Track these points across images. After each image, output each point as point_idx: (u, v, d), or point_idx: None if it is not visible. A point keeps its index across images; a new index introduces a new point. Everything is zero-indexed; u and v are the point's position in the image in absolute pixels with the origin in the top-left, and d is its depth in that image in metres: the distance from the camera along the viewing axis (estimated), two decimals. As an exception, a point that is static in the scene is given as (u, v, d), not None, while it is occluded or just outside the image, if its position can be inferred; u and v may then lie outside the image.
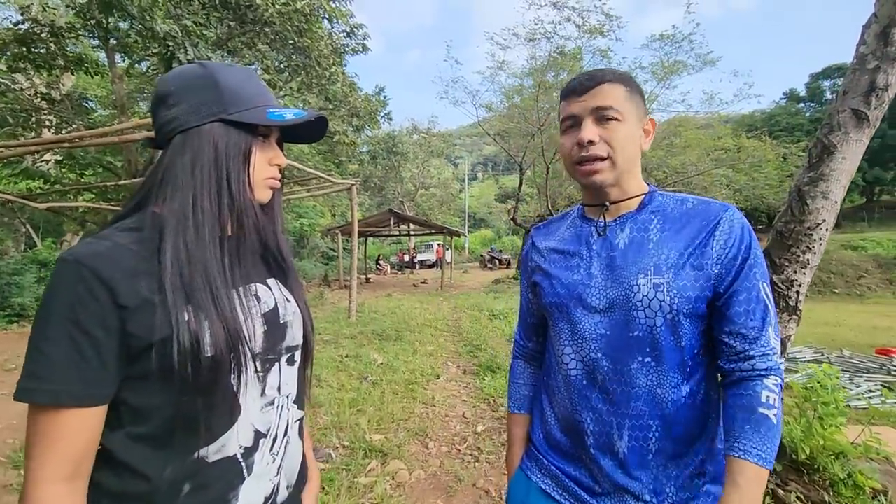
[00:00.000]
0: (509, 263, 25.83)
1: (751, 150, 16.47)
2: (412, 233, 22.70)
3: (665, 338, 0.86)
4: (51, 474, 0.61)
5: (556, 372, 1.01)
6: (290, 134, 0.85)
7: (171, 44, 6.50)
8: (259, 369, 0.75)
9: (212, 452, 0.70)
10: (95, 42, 9.79)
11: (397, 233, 21.76)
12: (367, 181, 28.67)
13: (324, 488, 2.61)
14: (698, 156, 16.85)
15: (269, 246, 0.85)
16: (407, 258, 28.84)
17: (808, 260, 2.47)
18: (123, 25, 7.94)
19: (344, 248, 18.79)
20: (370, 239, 25.66)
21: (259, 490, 0.75)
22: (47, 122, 10.64)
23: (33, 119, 10.23)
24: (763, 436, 0.81)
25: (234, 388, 0.71)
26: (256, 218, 0.78)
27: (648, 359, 0.87)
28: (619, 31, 15.01)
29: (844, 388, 5.14)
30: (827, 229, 2.46)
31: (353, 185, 9.12)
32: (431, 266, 29.51)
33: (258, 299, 0.79)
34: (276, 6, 8.41)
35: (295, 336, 0.84)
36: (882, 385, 5.77)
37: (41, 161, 12.05)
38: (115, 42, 8.69)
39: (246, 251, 0.81)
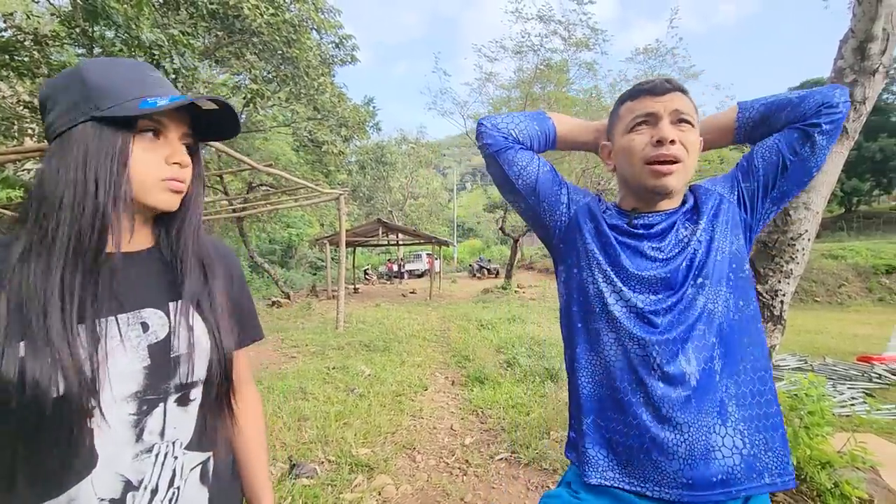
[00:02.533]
0: (498, 273, 25.86)
1: (734, 161, 16.81)
2: (401, 243, 22.65)
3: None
4: None
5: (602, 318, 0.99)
6: (208, 130, 0.76)
7: (156, 52, 6.45)
8: (134, 412, 0.65)
9: None
10: (80, 50, 9.70)
11: (386, 242, 21.69)
12: (356, 191, 28.64)
13: (308, 505, 2.55)
14: (683, 167, 17.14)
15: (179, 263, 0.74)
16: (395, 268, 28.71)
17: (791, 270, 2.50)
18: (109, 34, 7.86)
19: (332, 258, 18.67)
20: (358, 249, 25.56)
21: None
22: (30, 131, 10.46)
23: (15, 127, 10.05)
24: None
25: (87, 434, 0.61)
26: (122, 231, 0.66)
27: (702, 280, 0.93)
28: (605, 44, 15.26)
29: (829, 396, 5.21)
30: (809, 239, 2.50)
31: (341, 195, 9.09)
32: (420, 276, 29.42)
33: (145, 327, 0.68)
34: (265, 17, 8.42)
35: (193, 371, 0.71)
36: (864, 392, 5.85)
37: (22, 170, 11.82)
38: (100, 50, 8.60)
39: (141, 270, 0.72)
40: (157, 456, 0.67)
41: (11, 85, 9.94)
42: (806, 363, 7.34)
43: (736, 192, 1.00)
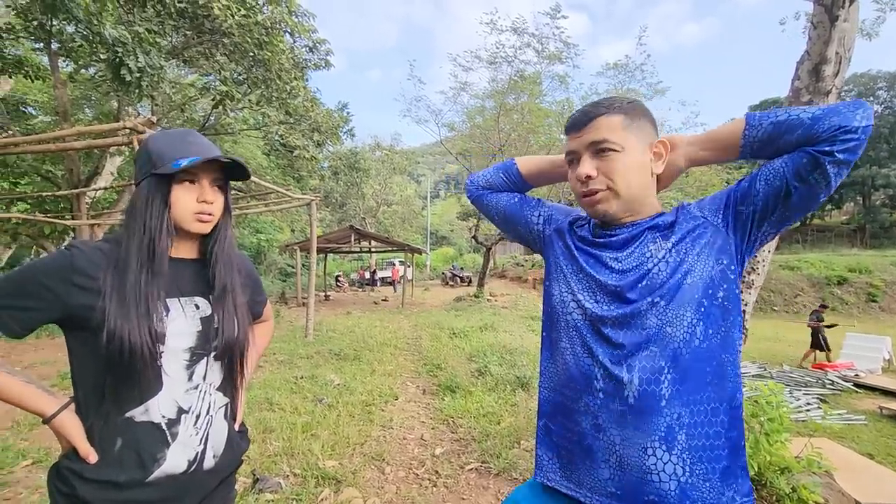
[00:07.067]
0: (470, 281, 25.91)
1: (698, 174, 17.41)
2: (373, 250, 22.45)
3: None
4: None
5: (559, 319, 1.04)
6: (233, 173, 1.05)
7: (120, 50, 6.21)
8: (187, 360, 0.97)
9: (138, 414, 0.92)
10: (38, 45, 9.26)
11: (358, 249, 21.46)
12: (328, 197, 28.26)
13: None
14: (650, 179, 17.62)
15: (212, 269, 1.05)
16: (368, 275, 28.39)
17: (752, 281, 2.59)
18: (69, 29, 7.54)
19: (302, 265, 18.33)
20: (330, 256, 25.18)
21: (183, 455, 0.95)
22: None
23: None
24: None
25: (154, 369, 0.92)
26: (166, 247, 0.96)
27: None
28: (577, 58, 15.64)
29: (787, 402, 5.41)
30: (769, 251, 2.59)
31: (312, 200, 8.95)
32: (391, 283, 29.19)
33: (197, 307, 1.01)
34: (236, 17, 8.25)
35: (225, 338, 1.02)
36: (819, 398, 6.11)
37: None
38: (58, 45, 8.24)
39: (194, 271, 1.04)
40: (200, 392, 0.99)
41: (-39, 78, 9.40)
42: (765, 370, 7.62)
43: (725, 215, 0.93)
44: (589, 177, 0.95)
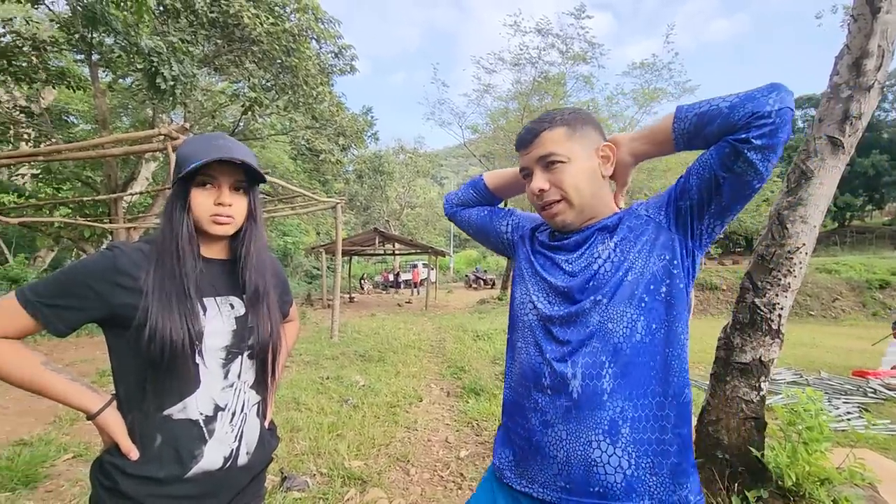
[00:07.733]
0: (494, 283, 25.83)
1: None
2: (397, 252, 22.62)
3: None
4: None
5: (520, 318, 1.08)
6: (256, 177, 1.07)
7: (155, 59, 6.45)
8: (223, 358, 0.99)
9: (176, 412, 0.94)
10: (79, 56, 9.70)
11: (382, 252, 21.66)
12: (353, 200, 28.67)
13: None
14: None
15: (243, 270, 1.06)
16: (392, 278, 28.62)
17: (788, 283, 2.50)
18: (108, 41, 7.88)
19: (328, 267, 18.59)
20: (355, 258, 25.49)
21: (220, 451, 0.97)
22: (25, 136, 10.43)
23: (11, 132, 10.02)
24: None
25: (193, 366, 0.94)
26: (189, 248, 0.98)
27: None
28: (602, 58, 15.47)
29: (826, 411, 5.18)
30: (806, 253, 2.50)
31: (338, 203, 9.08)
32: (415, 286, 29.35)
33: (232, 307, 1.03)
34: (265, 26, 8.46)
35: (259, 337, 1.04)
36: (860, 407, 5.84)
37: (17, 175, 11.77)
38: (98, 57, 8.61)
39: (226, 271, 1.05)
40: (235, 390, 1.01)
41: (8, 90, 9.93)
42: (801, 377, 7.33)
43: (667, 212, 0.95)
44: (542, 190, 0.99)
